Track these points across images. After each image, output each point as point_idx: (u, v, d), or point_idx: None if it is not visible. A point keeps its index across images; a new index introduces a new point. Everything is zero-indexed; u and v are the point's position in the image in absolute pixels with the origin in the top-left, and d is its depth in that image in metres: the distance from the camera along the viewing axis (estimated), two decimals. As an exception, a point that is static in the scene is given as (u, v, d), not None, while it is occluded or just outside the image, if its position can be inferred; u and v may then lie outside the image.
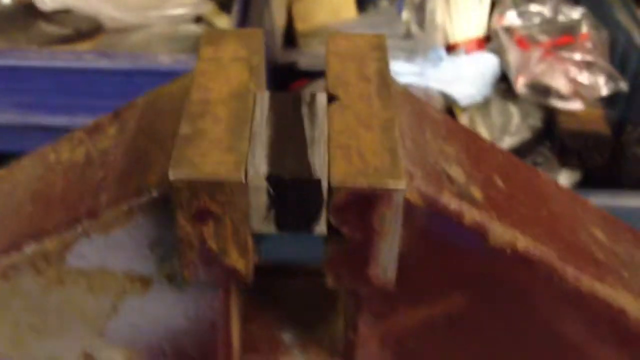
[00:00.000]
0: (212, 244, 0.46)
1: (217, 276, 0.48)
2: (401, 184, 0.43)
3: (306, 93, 0.50)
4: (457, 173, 0.51)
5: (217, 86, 0.49)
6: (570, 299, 0.52)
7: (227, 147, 0.45)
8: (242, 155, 0.44)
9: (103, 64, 1.15)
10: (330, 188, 0.43)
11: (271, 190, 0.43)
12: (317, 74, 1.43)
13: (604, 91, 1.27)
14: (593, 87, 1.25)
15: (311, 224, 0.45)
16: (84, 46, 1.24)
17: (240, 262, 0.47)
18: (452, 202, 0.48)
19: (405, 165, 0.46)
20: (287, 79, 1.46)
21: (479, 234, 0.49)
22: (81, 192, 0.51)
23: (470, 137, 0.56)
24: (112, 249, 0.49)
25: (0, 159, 1.03)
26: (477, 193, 0.50)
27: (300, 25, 1.69)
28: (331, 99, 0.49)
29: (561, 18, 1.47)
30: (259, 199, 0.44)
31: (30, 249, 0.49)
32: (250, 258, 0.47)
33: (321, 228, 0.45)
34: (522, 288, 0.52)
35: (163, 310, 0.52)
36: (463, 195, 0.49)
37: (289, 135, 0.46)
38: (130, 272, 0.50)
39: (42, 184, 0.55)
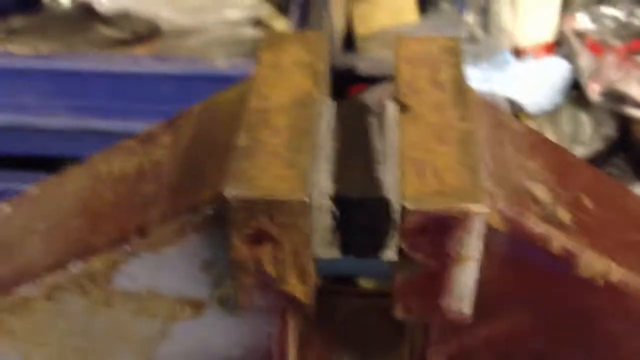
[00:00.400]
0: (270, 268, 0.41)
1: (274, 302, 0.43)
2: (483, 207, 0.38)
3: (374, 102, 0.45)
4: (542, 192, 0.45)
5: (278, 94, 0.45)
6: (670, 336, 0.46)
7: (288, 161, 0.40)
8: (304, 171, 0.40)
9: (160, 68, 1.13)
10: (402, 210, 0.38)
11: (336, 212, 0.39)
12: (376, 79, 1.39)
13: (685, 99, 1.19)
14: (673, 94, 1.17)
15: (380, 249, 0.40)
16: (141, 50, 1.22)
17: (299, 288, 0.42)
18: (538, 226, 0.43)
19: (486, 185, 0.41)
20: (345, 84, 1.41)
21: (567, 262, 0.44)
22: (131, 206, 0.47)
23: (555, 152, 0.50)
24: (162, 269, 0.45)
25: (54, 163, 1.01)
26: (564, 215, 0.45)
27: (360, 29, 1.65)
28: (402, 108, 0.44)
29: (636, 22, 1.39)
30: (322, 220, 0.39)
31: (76, 268, 0.46)
32: (311, 285, 0.43)
33: (391, 254, 0.41)
34: (612, 322, 0.46)
35: (215, 337, 0.48)
36: (550, 218, 0.44)
37: (355, 149, 0.42)
38: (181, 295, 0.46)
39: (92, 195, 0.51)
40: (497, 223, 0.42)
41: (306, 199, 0.38)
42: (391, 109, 0.45)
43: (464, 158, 0.41)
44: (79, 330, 0.49)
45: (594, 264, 0.44)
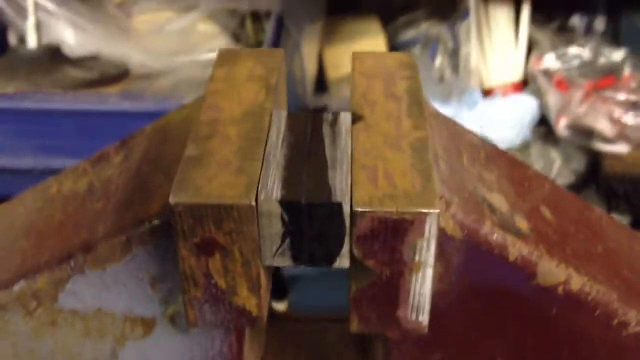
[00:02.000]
0: (220, 279, 0.40)
1: (226, 318, 0.42)
2: (434, 208, 0.37)
3: (328, 113, 0.45)
4: (499, 202, 0.45)
5: (229, 106, 0.45)
6: (633, 346, 0.45)
7: (237, 169, 0.39)
8: (254, 178, 0.39)
9: (127, 106, 1.12)
10: (353, 213, 0.37)
11: (286, 217, 0.38)
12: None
13: (652, 132, 1.20)
14: (639, 127, 1.18)
15: (332, 257, 0.39)
16: (109, 90, 1.21)
17: (251, 301, 0.41)
18: (494, 233, 0.42)
19: (440, 191, 0.40)
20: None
21: (525, 270, 0.43)
22: (78, 224, 0.46)
23: (512, 164, 0.50)
24: (109, 286, 0.43)
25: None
26: (522, 224, 0.44)
27: (331, 73, 1.66)
28: (356, 119, 0.44)
29: (602, 60, 1.41)
30: (272, 227, 0.38)
31: (19, 287, 0.44)
32: (264, 297, 0.41)
33: (343, 262, 0.39)
34: (576, 334, 0.45)
35: (168, 358, 0.46)
36: (507, 226, 0.43)
37: (307, 157, 0.41)
38: (131, 313, 0.45)
39: (40, 217, 0.50)
40: (452, 229, 0.41)
41: (253, 204, 0.37)
42: (344, 119, 0.44)
43: (416, 163, 0.40)
44: (24, 354, 0.47)
45: (553, 271, 0.43)
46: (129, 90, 1.23)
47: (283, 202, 0.37)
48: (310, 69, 1.61)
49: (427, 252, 0.39)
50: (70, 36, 1.35)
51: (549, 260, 0.43)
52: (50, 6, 1.37)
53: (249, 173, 0.39)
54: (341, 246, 0.39)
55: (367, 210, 0.37)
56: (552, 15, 1.59)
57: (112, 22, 1.44)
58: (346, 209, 0.37)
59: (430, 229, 0.38)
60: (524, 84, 1.49)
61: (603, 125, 1.20)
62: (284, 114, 0.44)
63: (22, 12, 1.37)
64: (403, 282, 0.40)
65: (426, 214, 0.37)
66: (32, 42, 1.27)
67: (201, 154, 0.41)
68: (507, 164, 0.49)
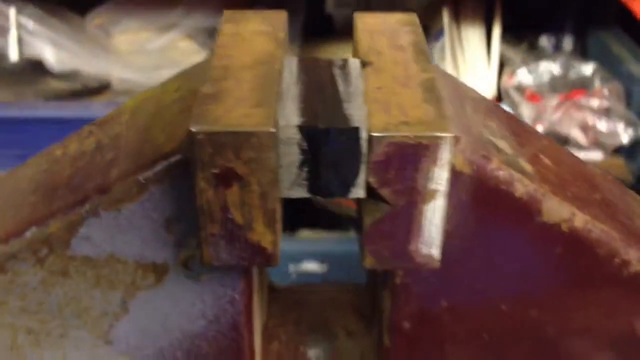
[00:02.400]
0: (236, 213, 0.41)
1: (241, 255, 0.42)
2: (448, 133, 0.39)
3: (336, 59, 0.46)
4: (504, 145, 0.46)
5: (240, 55, 0.46)
6: (633, 286, 0.46)
7: (255, 103, 0.40)
8: (272, 109, 0.40)
9: (111, 115, 1.12)
10: (370, 138, 0.38)
11: (304, 143, 0.39)
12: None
13: (625, 139, 1.23)
14: (612, 134, 1.22)
15: (348, 186, 0.40)
16: (92, 100, 1.22)
17: (266, 236, 0.41)
18: (501, 170, 0.43)
19: (451, 119, 0.42)
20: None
21: (531, 207, 0.44)
22: (90, 174, 0.46)
23: (512, 118, 0.51)
24: (123, 229, 0.44)
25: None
26: (527, 166, 0.46)
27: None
28: (364, 64, 0.45)
29: (572, 74, 1.46)
30: (291, 154, 0.39)
31: (30, 233, 0.44)
32: (278, 233, 0.42)
33: (358, 192, 0.40)
34: (580, 275, 0.46)
35: (178, 308, 0.46)
36: (513, 165, 0.44)
37: (321, 92, 0.42)
38: (143, 259, 0.45)
39: (47, 175, 0.50)
40: (461, 165, 0.42)
41: (273, 130, 0.38)
42: (353, 64, 0.46)
43: (428, 97, 0.42)
44: (33, 308, 0.46)
45: (558, 209, 0.44)
46: (110, 100, 1.23)
47: (302, 128, 0.38)
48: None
49: (440, 180, 0.40)
50: (51, 53, 1.36)
51: (553, 197, 0.44)
52: (31, 24, 1.38)
53: (266, 105, 0.40)
54: (357, 173, 0.40)
55: (384, 134, 0.38)
56: (522, 35, 1.64)
57: (92, 41, 1.45)
58: (363, 134, 0.39)
59: (444, 155, 0.39)
60: (498, 100, 1.52)
61: (577, 133, 1.24)
62: (294, 59, 0.46)
63: (2, 30, 1.38)
64: (416, 212, 0.41)
65: (441, 138, 0.39)
66: (13, 56, 1.27)
67: (217, 92, 0.42)
68: (507, 117, 0.51)
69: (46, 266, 0.45)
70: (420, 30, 0.50)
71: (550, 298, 0.47)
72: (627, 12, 1.32)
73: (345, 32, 1.75)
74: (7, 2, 1.33)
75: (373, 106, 0.40)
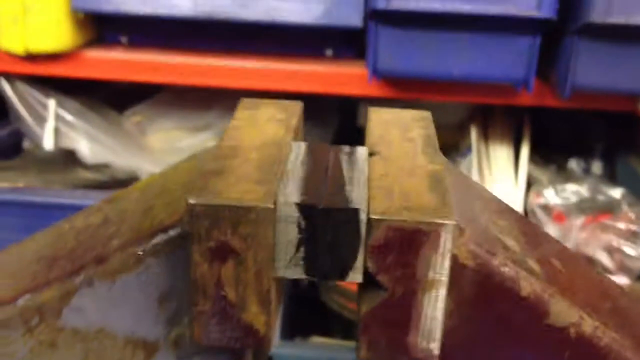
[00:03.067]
0: (230, 291, 0.40)
1: (232, 336, 0.41)
2: (450, 220, 0.38)
3: (345, 146, 0.46)
4: (512, 244, 0.45)
5: (250, 137, 0.46)
6: (649, 403, 0.44)
7: (257, 180, 0.40)
8: (273, 187, 0.40)
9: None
10: (369, 221, 0.38)
11: (302, 223, 0.38)
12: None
13: (652, 264, 1.20)
14: (639, 259, 1.19)
15: (345, 269, 0.39)
16: (118, 192, 1.23)
17: (259, 318, 0.40)
18: (507, 266, 0.42)
19: (454, 210, 0.41)
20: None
21: (538, 308, 0.42)
22: (91, 245, 0.46)
23: (522, 219, 0.50)
24: (116, 302, 0.43)
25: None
26: (535, 266, 0.44)
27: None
28: (372, 153, 0.45)
29: (600, 198, 1.45)
30: (288, 232, 0.39)
31: (23, 301, 0.44)
32: (272, 315, 0.40)
33: (356, 276, 0.39)
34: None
35: (166, 391, 0.45)
36: (520, 263, 0.43)
37: (325, 175, 0.42)
38: (134, 336, 0.44)
39: (52, 247, 0.50)
40: (465, 258, 0.41)
41: (271, 206, 0.38)
42: (361, 152, 0.46)
43: (433, 187, 0.41)
44: (18, 379, 0.45)
45: (566, 312, 0.42)
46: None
47: (301, 206, 0.38)
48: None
49: (440, 269, 0.39)
50: (85, 146, 1.39)
51: (562, 300, 0.43)
52: (69, 117, 1.43)
53: (268, 184, 0.40)
54: (355, 257, 0.39)
55: (383, 218, 0.38)
56: (550, 157, 1.64)
57: (126, 137, 1.49)
58: (362, 217, 0.38)
59: (446, 244, 0.38)
60: (524, 219, 1.51)
61: (602, 256, 1.21)
62: (303, 144, 0.46)
63: (40, 120, 1.43)
64: (415, 302, 0.39)
65: (442, 225, 0.38)
66: (48, 145, 1.31)
67: (222, 168, 0.42)
68: (518, 218, 0.50)
69: (35, 335, 0.44)
70: (432, 125, 0.50)
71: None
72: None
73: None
74: (48, 94, 1.38)
75: (376, 191, 0.40)
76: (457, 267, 0.41)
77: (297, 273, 0.39)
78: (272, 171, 0.41)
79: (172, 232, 0.41)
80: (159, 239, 0.42)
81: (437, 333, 0.40)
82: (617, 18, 1.01)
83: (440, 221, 0.38)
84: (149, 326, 0.43)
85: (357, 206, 0.38)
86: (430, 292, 0.39)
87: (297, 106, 0.52)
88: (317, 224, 0.38)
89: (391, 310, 0.40)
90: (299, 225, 0.38)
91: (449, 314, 0.42)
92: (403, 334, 0.40)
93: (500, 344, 0.43)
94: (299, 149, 0.45)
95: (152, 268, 0.42)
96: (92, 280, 0.42)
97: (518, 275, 0.42)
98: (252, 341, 0.41)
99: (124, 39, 1.40)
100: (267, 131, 0.47)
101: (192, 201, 0.38)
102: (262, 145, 0.45)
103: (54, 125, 1.37)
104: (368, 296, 0.40)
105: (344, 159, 0.44)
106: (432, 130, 0.49)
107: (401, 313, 0.40)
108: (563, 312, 0.42)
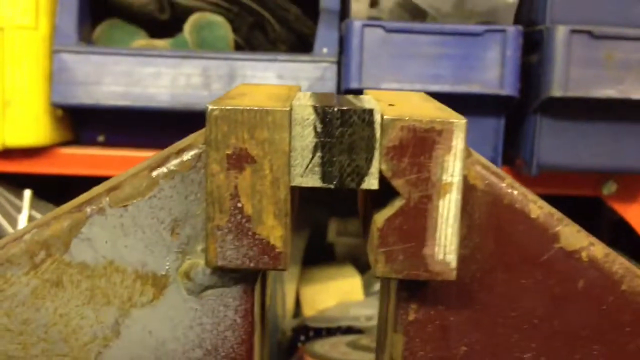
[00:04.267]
0: (246, 203, 0.40)
1: (248, 254, 0.40)
2: (461, 119, 0.39)
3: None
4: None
5: (255, 91, 0.48)
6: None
7: (271, 100, 0.42)
8: (288, 101, 0.41)
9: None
10: (383, 122, 0.39)
11: (318, 125, 0.39)
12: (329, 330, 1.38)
13: None
14: None
15: (361, 175, 0.40)
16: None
17: (275, 231, 0.40)
18: (515, 190, 0.43)
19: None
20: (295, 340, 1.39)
21: (548, 230, 0.43)
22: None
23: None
24: (127, 230, 0.42)
25: None
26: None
27: (307, 310, 1.67)
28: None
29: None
30: (304, 137, 0.39)
31: (30, 235, 0.43)
32: (288, 229, 0.40)
33: (371, 182, 0.40)
34: (602, 312, 0.43)
35: (174, 333, 0.43)
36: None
37: (335, 101, 0.43)
38: (143, 269, 0.43)
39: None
40: (474, 178, 0.42)
41: (288, 108, 0.39)
42: (367, 95, 0.48)
43: (440, 109, 0.43)
44: (18, 327, 0.43)
45: (576, 235, 0.43)
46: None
47: (317, 108, 0.39)
48: (289, 303, 1.64)
49: (454, 171, 0.40)
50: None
51: (570, 224, 0.43)
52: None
53: (282, 101, 0.41)
54: (371, 160, 0.39)
55: (397, 117, 0.39)
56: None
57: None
58: (377, 117, 0.39)
59: (458, 143, 0.39)
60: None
61: None
62: (308, 92, 0.48)
63: (11, 219, 1.41)
64: (431, 208, 0.40)
65: (453, 123, 0.39)
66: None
67: (235, 96, 0.43)
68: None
69: (40, 273, 0.42)
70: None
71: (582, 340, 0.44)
72: None
73: (344, 258, 1.78)
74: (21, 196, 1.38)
75: (385, 105, 0.42)
76: (467, 187, 0.42)
77: (313, 181, 0.40)
78: (282, 99, 0.43)
79: (185, 156, 0.42)
80: (173, 161, 0.42)
81: (454, 244, 0.40)
82: (576, 91, 1.08)
83: (452, 120, 0.39)
84: (160, 257, 0.42)
85: (371, 107, 0.39)
86: (445, 197, 0.40)
87: (294, 86, 0.54)
88: (333, 126, 0.39)
89: (408, 219, 0.40)
90: (315, 129, 0.39)
91: (462, 241, 0.42)
92: (420, 245, 0.40)
93: (516, 271, 0.43)
94: (305, 94, 0.47)
95: (165, 191, 0.42)
96: (104, 207, 0.42)
97: (526, 197, 0.43)
98: (268, 260, 0.40)
99: (101, 138, 1.42)
100: (270, 89, 0.49)
101: (211, 107, 0.39)
102: (269, 92, 0.47)
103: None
104: (384, 207, 0.40)
105: (350, 96, 0.46)
106: (437, 103, 0.51)
107: (417, 221, 0.40)
108: (573, 235, 0.43)
